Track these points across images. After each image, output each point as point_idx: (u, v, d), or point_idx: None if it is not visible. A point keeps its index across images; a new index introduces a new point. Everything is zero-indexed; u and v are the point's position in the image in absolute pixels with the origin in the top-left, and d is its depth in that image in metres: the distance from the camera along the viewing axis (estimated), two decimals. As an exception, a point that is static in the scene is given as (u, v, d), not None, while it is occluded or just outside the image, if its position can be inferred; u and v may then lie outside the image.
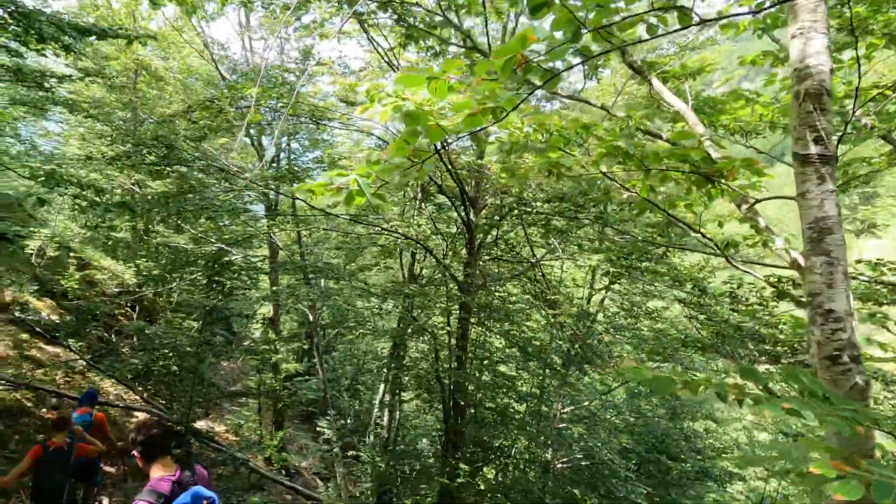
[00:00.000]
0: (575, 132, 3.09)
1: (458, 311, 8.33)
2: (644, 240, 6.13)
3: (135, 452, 3.05)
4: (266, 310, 15.95)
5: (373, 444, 13.61)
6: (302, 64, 10.55)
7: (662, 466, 11.72)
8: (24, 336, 11.27)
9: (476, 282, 8.07)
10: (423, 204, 10.39)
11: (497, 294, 9.07)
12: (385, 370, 13.17)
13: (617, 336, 9.81)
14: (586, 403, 11.88)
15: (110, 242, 14.85)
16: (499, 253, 9.11)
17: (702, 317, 6.93)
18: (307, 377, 14.93)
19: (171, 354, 9.97)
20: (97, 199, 6.62)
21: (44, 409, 9.34)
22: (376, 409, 13.56)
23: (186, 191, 8.56)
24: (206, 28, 10.98)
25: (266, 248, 14.60)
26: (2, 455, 7.21)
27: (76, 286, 13.18)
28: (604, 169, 3.14)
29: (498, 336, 9.23)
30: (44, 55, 6.20)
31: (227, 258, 11.78)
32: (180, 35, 11.77)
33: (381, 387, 13.13)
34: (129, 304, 15.16)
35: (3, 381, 8.53)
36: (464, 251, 8.67)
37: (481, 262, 8.41)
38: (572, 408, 11.33)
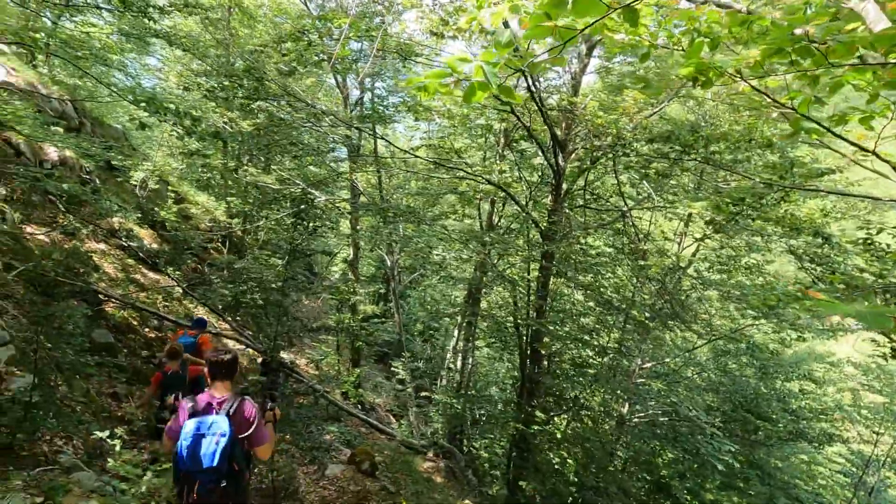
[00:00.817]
0: (729, 31, 2.60)
1: (539, 260, 7.97)
2: (766, 182, 5.33)
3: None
4: (346, 252, 16.27)
5: (445, 388, 13.79)
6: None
7: (750, 426, 11.03)
8: (130, 261, 12.11)
9: (560, 230, 7.64)
10: (506, 149, 9.91)
11: (581, 245, 8.57)
12: (460, 317, 13.13)
13: (709, 290, 9.08)
14: (668, 360, 11.33)
15: (204, 177, 15.50)
16: (586, 200, 8.54)
17: (818, 269, 6.16)
18: (383, 319, 15.25)
19: (257, 288, 10.35)
20: (193, 127, 6.78)
21: (146, 329, 10.05)
22: (449, 355, 13.64)
23: (276, 124, 8.60)
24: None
25: (348, 191, 14.74)
26: (115, 363, 7.80)
27: (173, 218, 13.97)
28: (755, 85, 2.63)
29: (580, 288, 8.79)
30: None
31: (310, 198, 11.98)
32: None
33: (456, 333, 13.12)
34: (220, 239, 15.97)
35: (114, 299, 9.17)
36: (548, 199, 8.22)
37: (567, 211, 7.92)
38: (652, 364, 10.83)
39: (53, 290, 7.91)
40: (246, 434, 3.26)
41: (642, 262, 7.74)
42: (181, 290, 12.15)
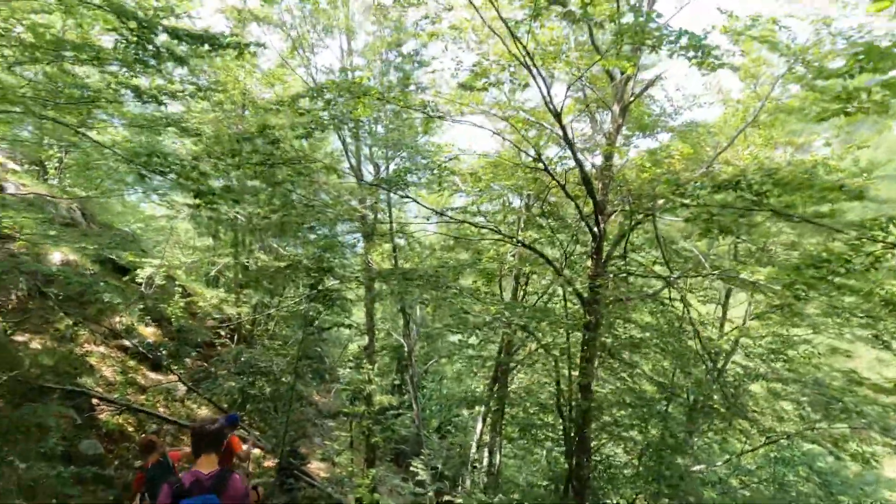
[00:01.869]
0: None
1: (581, 330, 7.19)
2: (858, 240, 4.48)
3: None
4: (360, 341, 15.48)
5: (470, 491, 12.47)
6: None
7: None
8: (131, 363, 11.43)
9: (604, 298, 6.96)
10: (535, 214, 9.43)
11: (625, 317, 7.79)
12: (483, 406, 12.11)
13: (764, 381, 8.10)
14: (719, 464, 10.04)
15: (212, 271, 15.14)
16: (627, 266, 7.86)
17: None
18: (399, 411, 14.19)
19: (265, 379, 9.60)
20: (201, 181, 6.28)
21: (143, 434, 9.18)
22: (473, 450, 12.46)
23: (291, 205, 8.22)
24: (311, 58, 10.94)
25: (362, 272, 14.20)
26: (101, 476, 6.93)
27: (180, 313, 13.44)
28: None
29: (626, 368, 7.89)
30: (159, 72, 6.03)
31: (325, 274, 11.49)
32: (286, 65, 11.84)
33: (479, 425, 12.05)
34: (228, 335, 15.34)
35: (107, 403, 8.42)
36: (587, 264, 7.63)
37: (610, 276, 7.27)
38: (701, 468, 9.53)
39: (38, 397, 7.21)
40: None
41: (692, 342, 6.98)
42: (185, 390, 11.36)
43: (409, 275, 7.25)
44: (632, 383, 7.75)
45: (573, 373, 7.86)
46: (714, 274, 6.92)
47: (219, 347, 15.17)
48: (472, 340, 12.71)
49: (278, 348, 12.28)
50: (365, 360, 13.68)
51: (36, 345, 8.66)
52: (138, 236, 18.00)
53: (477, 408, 12.87)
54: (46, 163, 13.89)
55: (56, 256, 11.28)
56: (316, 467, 13.41)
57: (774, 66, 8.17)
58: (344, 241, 11.57)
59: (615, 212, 7.27)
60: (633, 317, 8.59)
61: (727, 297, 9.55)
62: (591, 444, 8.61)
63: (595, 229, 6.85)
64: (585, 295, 7.15)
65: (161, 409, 10.61)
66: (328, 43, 11.07)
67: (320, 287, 7.59)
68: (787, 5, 5.99)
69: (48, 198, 12.42)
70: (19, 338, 8.67)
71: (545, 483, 9.82)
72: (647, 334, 7.77)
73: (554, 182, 7.34)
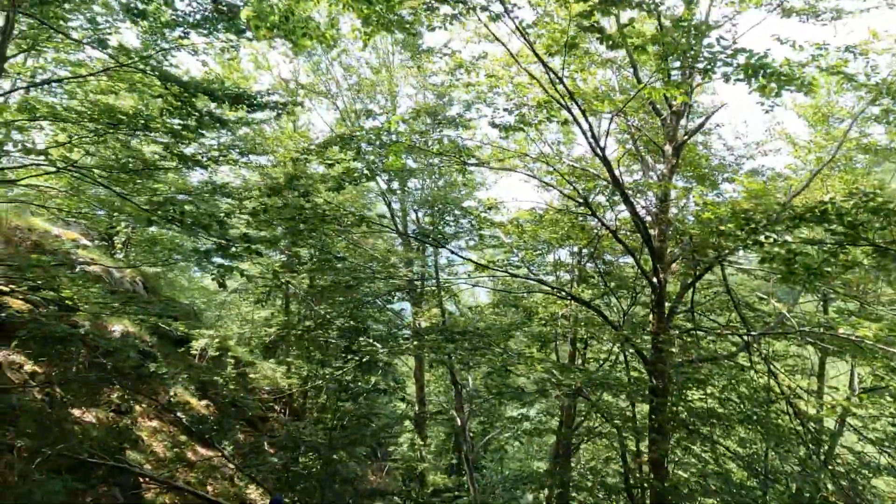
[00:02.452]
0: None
1: (648, 398, 6.40)
2: None
3: None
4: (411, 413, 14.83)
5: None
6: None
7: None
8: (182, 437, 11.27)
9: (671, 359, 6.22)
10: (589, 262, 8.85)
11: (693, 384, 6.85)
12: (545, 489, 11.06)
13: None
14: None
15: (265, 339, 15.15)
16: (694, 325, 7.04)
17: None
18: (456, 493, 13.20)
19: (311, 455, 9.13)
20: (247, 247, 6.23)
21: (188, 516, 8.82)
22: None
23: (333, 267, 8.07)
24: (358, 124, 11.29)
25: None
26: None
27: (233, 386, 13.35)
28: None
29: (702, 441, 6.80)
30: (202, 136, 6.17)
31: (372, 355, 11.16)
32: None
33: (543, 506, 10.97)
34: (280, 408, 15.10)
35: (152, 480, 8.17)
36: (648, 319, 6.94)
37: (675, 332, 6.53)
38: None
39: (84, 472, 7.04)
40: None
41: (783, 418, 6.02)
42: (234, 467, 11.02)
43: (454, 334, 6.78)
44: (715, 466, 6.64)
45: (641, 446, 6.96)
46: (804, 331, 5.97)
47: (271, 421, 14.91)
48: (532, 412, 11.86)
49: (327, 422, 11.87)
50: (417, 437, 13.00)
51: (90, 418, 8.64)
52: (200, 310, 18.54)
53: (541, 494, 11.78)
54: (115, 238, 14.64)
55: (116, 329, 11.56)
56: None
57: (844, 106, 7.57)
58: (389, 302, 11.29)
59: (675, 259, 6.63)
60: (709, 388, 7.57)
61: (822, 364, 8.35)
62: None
63: (654, 280, 6.24)
64: (648, 355, 6.43)
65: (209, 488, 10.26)
66: (372, 107, 11.35)
67: (354, 347, 7.19)
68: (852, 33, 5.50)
69: (113, 269, 13.01)
70: (76, 411, 8.69)
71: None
72: (728, 404, 6.75)
73: (605, 232, 6.85)
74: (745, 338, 6.20)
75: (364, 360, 8.36)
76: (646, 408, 7.37)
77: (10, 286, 8.97)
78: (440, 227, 10.00)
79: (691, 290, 6.65)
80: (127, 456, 8.32)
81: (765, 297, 7.90)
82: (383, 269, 9.48)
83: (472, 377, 12.57)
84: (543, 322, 10.01)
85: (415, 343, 8.61)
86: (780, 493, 6.63)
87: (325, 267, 8.82)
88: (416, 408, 12.74)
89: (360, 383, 12.49)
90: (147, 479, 8.19)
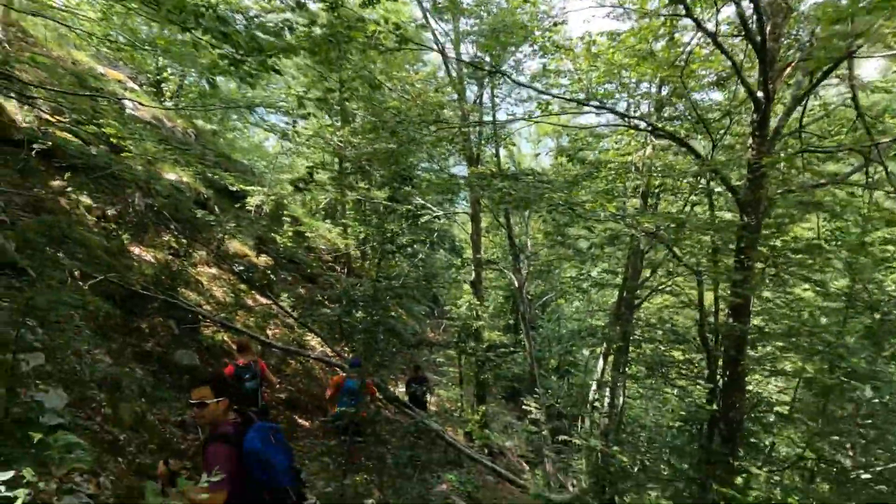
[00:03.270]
0: None
1: (733, 238, 5.48)
2: None
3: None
4: (468, 275, 14.59)
5: (588, 431, 11.28)
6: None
7: None
8: (242, 287, 11.56)
9: (771, 190, 5.18)
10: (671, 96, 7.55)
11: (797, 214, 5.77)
12: (605, 343, 10.67)
13: None
14: None
15: (320, 201, 14.99)
16: (803, 142, 5.76)
17: None
18: (512, 350, 13.21)
19: (370, 310, 9.04)
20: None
21: (247, 352, 9.11)
22: (593, 391, 11.15)
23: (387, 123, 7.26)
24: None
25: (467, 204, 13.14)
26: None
27: (289, 243, 13.45)
28: None
29: (799, 281, 5.99)
30: None
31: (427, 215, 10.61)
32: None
33: (600, 363, 10.66)
34: (340, 269, 15.29)
35: (205, 318, 8.32)
36: (745, 144, 5.82)
37: (780, 154, 5.37)
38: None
39: (140, 304, 7.15)
40: None
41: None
42: (293, 319, 11.33)
43: (513, 175, 5.94)
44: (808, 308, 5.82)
45: (721, 293, 6.18)
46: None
47: (332, 281, 15.21)
48: (594, 273, 11.20)
49: (374, 275, 11.79)
50: (474, 298, 12.80)
51: (148, 257, 8.78)
52: (260, 172, 18.56)
53: (598, 348, 11.47)
54: (163, 85, 14.29)
55: (171, 177, 11.55)
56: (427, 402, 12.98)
57: None
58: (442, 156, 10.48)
59: (790, 64, 5.26)
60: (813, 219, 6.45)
61: None
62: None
63: (759, 93, 5.00)
64: (741, 189, 5.40)
65: (268, 332, 10.62)
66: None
67: (400, 195, 6.52)
68: None
69: (165, 126, 12.85)
70: (136, 249, 8.82)
71: (677, 424, 8.27)
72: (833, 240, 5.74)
73: (696, 48, 5.53)
74: (869, 152, 4.94)
75: (415, 213, 7.79)
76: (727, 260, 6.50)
77: (56, 117, 8.81)
78: (497, 55, 8.76)
79: (803, 102, 5.36)
80: (182, 294, 8.45)
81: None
82: (428, 113, 8.54)
83: (531, 239, 11.92)
84: (612, 173, 8.96)
85: (471, 180, 7.77)
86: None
87: (375, 126, 8.00)
88: (474, 271, 12.38)
89: (415, 245, 12.17)
90: (204, 318, 8.35)
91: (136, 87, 13.35)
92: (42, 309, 5.05)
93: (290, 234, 13.62)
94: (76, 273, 6.29)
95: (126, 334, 6.41)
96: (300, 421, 8.86)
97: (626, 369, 9.53)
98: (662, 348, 8.98)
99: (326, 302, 12.20)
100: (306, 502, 2.94)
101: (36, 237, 6.00)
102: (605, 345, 10.42)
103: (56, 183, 7.98)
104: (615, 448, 9.39)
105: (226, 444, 2.74)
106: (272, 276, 11.72)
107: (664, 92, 7.76)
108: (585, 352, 18.29)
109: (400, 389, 11.21)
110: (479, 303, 11.85)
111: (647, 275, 9.16)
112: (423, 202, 11.37)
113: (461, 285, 19.24)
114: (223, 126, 20.59)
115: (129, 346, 6.25)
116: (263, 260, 12.83)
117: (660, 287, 8.35)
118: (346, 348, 11.46)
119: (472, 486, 8.70)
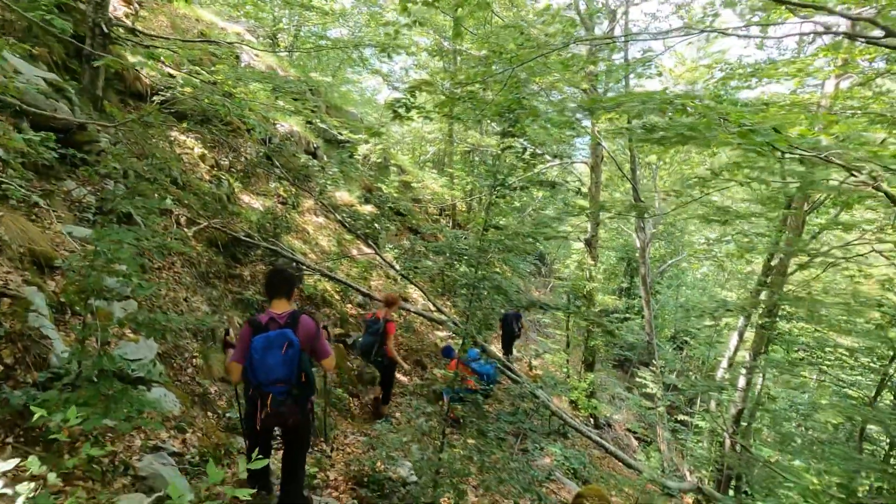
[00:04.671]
0: None
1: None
2: None
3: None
4: (582, 233, 13.45)
5: (714, 414, 10.03)
6: None
7: None
8: (347, 236, 11.48)
9: None
10: None
11: None
12: (741, 319, 9.24)
13: None
14: None
15: (427, 154, 14.48)
16: None
17: None
18: (626, 316, 12.07)
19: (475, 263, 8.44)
20: None
21: (349, 305, 8.97)
22: (722, 368, 9.81)
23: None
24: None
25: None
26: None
27: (395, 193, 13.16)
28: None
29: None
30: None
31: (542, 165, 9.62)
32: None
33: (733, 340, 9.28)
34: (446, 223, 14.85)
35: (317, 271, 8.19)
36: None
37: None
38: None
39: (242, 251, 7.10)
40: (310, 345, 3.29)
41: None
42: (395, 270, 11.11)
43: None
44: None
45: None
46: None
47: (437, 235, 14.84)
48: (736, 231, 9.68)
49: (478, 228, 11.12)
50: (587, 255, 11.73)
51: (258, 206, 8.81)
52: (371, 125, 18.41)
53: (730, 320, 10.01)
54: (279, 36, 14.32)
55: (283, 126, 11.58)
56: (525, 365, 12.39)
57: None
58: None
59: None
60: None
61: None
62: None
63: None
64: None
65: (371, 283, 10.46)
66: None
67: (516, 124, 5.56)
68: None
69: (279, 75, 12.87)
70: (245, 197, 8.88)
71: (835, 420, 6.90)
72: None
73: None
74: None
75: (530, 155, 6.84)
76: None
77: (178, 70, 8.95)
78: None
79: None
80: (287, 242, 8.37)
81: None
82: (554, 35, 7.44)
83: (658, 194, 10.53)
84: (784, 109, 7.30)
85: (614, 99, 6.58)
86: None
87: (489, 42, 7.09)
88: (590, 227, 11.26)
89: (528, 188, 11.32)
90: (306, 266, 8.24)
91: (254, 40, 13.46)
92: (142, 255, 4.98)
93: (395, 184, 13.31)
94: (181, 220, 6.27)
95: (227, 281, 6.35)
96: (398, 376, 8.64)
97: (768, 349, 8.15)
98: (820, 330, 7.50)
99: (429, 254, 11.80)
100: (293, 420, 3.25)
101: (146, 184, 6.02)
102: (742, 319, 9.00)
103: (174, 133, 8.10)
104: (740, 437, 8.18)
105: (249, 327, 3.21)
106: (377, 227, 11.48)
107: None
108: (707, 323, 16.54)
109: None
110: (592, 262, 10.80)
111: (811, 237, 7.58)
112: (535, 149, 10.33)
113: (569, 244, 18.07)
114: (336, 79, 20.68)
115: (229, 293, 6.18)
116: (369, 210, 12.66)
117: (830, 251, 6.80)
118: (448, 303, 11.06)
119: (580, 463, 8.01)
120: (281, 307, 3.32)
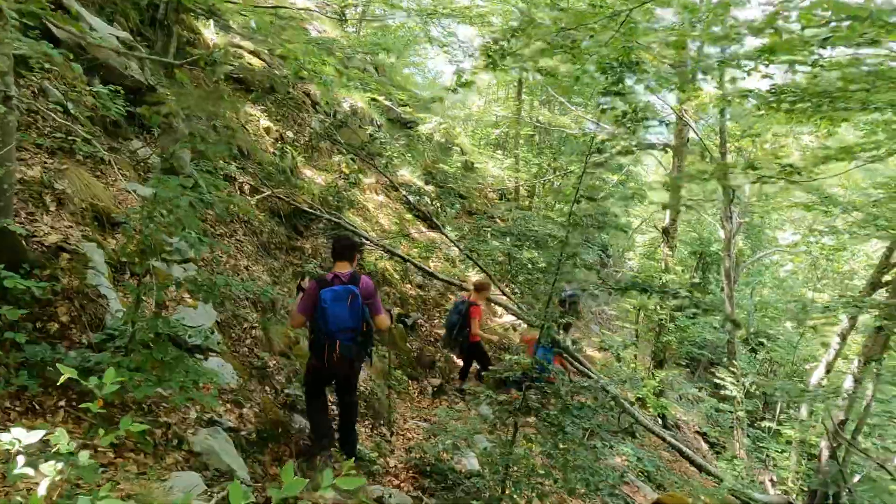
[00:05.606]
0: None
1: None
2: None
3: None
4: (660, 217, 12.56)
5: (805, 423, 9.09)
6: None
7: None
8: (408, 216, 11.15)
9: None
10: None
11: None
12: (844, 321, 8.26)
13: None
14: None
15: (493, 134, 13.94)
16: None
17: None
18: (701, 310, 11.16)
19: (534, 245, 7.93)
20: None
21: (408, 285, 8.63)
22: (819, 374, 8.86)
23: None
24: None
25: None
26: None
27: (458, 174, 12.73)
28: None
29: None
30: None
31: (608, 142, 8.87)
32: None
33: (834, 343, 8.35)
34: (511, 207, 14.30)
35: (366, 240, 7.89)
36: None
37: None
38: None
39: (304, 222, 6.87)
40: (369, 301, 3.60)
41: None
42: (459, 250, 10.70)
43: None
44: None
45: None
46: None
47: (499, 220, 14.32)
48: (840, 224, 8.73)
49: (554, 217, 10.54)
50: (664, 244, 10.87)
51: (320, 180, 8.59)
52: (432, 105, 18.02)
53: (818, 322, 9.00)
54: (346, 11, 14.09)
55: (347, 102, 11.35)
56: (590, 356, 11.72)
57: None
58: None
59: None
60: None
61: None
62: None
63: None
64: None
65: (431, 264, 10.08)
66: None
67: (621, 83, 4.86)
68: None
69: (345, 50, 12.64)
70: (307, 171, 8.69)
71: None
72: None
73: None
74: None
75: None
76: None
77: (247, 42, 8.83)
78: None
79: None
80: (348, 218, 8.09)
81: None
82: None
83: (748, 188, 9.62)
84: None
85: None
86: None
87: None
88: (668, 215, 10.41)
89: (594, 181, 10.58)
90: (368, 240, 7.94)
91: (321, 14, 13.28)
92: (204, 220, 4.75)
93: (457, 165, 12.87)
94: (245, 188, 6.07)
95: (288, 252, 6.11)
96: (456, 361, 8.24)
97: (881, 357, 7.20)
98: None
99: (490, 237, 11.31)
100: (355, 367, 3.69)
101: (213, 150, 5.83)
102: (845, 321, 8.03)
103: (240, 105, 7.97)
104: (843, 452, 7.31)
105: (316, 283, 3.58)
106: (438, 207, 11.10)
107: None
108: (788, 325, 15.24)
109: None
110: (670, 252, 9.99)
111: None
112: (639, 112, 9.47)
113: (633, 237, 17.04)
114: (401, 62, 20.43)
115: (290, 265, 5.93)
116: (430, 190, 12.28)
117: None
118: (511, 287, 10.57)
119: (653, 465, 7.38)
120: (344, 268, 3.65)
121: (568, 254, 3.88)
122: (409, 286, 8.55)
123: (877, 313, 6.42)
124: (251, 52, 9.12)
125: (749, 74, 3.80)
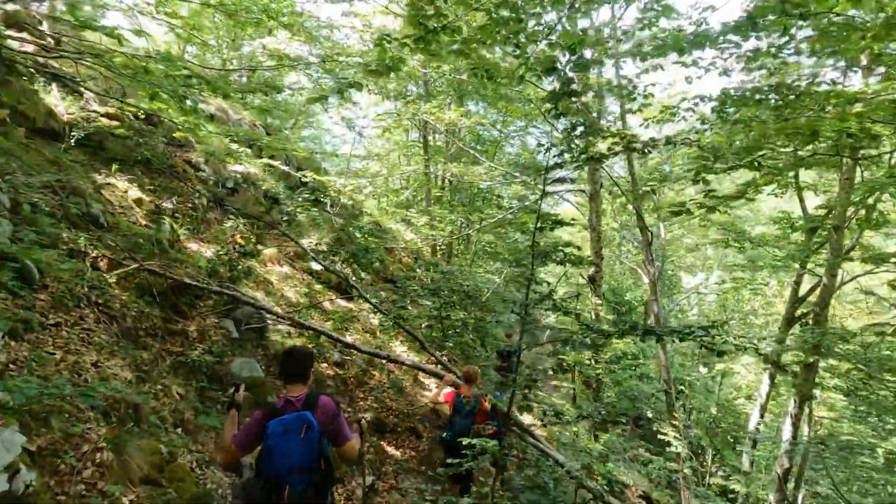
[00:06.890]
0: None
1: None
2: None
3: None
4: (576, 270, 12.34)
5: (750, 476, 8.67)
6: None
7: None
8: (318, 287, 10.03)
9: None
10: None
11: None
12: (769, 362, 8.11)
13: None
14: None
15: (402, 193, 13.35)
16: None
17: None
18: (639, 362, 10.81)
19: (466, 300, 7.16)
20: None
21: (324, 364, 7.42)
22: (754, 421, 8.58)
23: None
24: None
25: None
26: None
27: (369, 242, 11.84)
28: None
29: None
30: None
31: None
32: None
33: (764, 386, 8.12)
34: (422, 274, 13.56)
35: (278, 320, 6.70)
36: None
37: None
38: None
39: (191, 302, 5.59)
40: (331, 428, 2.87)
41: None
42: (377, 321, 9.64)
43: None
44: None
45: None
46: None
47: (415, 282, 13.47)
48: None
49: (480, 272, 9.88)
50: (591, 294, 10.52)
51: (210, 254, 7.34)
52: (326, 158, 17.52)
53: (761, 364, 8.88)
54: (231, 77, 13.21)
55: (237, 168, 10.27)
56: (528, 423, 10.84)
57: None
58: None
59: None
60: None
61: None
62: None
63: None
64: None
65: (348, 338, 8.93)
66: None
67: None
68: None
69: (232, 119, 11.67)
70: (193, 244, 7.41)
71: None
72: None
73: None
74: None
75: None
76: None
77: (105, 107, 7.64)
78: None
79: None
80: (244, 290, 6.87)
81: None
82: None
83: (664, 227, 9.59)
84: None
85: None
86: None
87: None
88: (592, 264, 10.10)
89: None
90: (274, 319, 6.73)
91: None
92: (30, 308, 3.48)
93: (367, 231, 12.01)
94: (101, 263, 4.77)
95: (165, 338, 4.81)
96: (387, 448, 7.01)
97: (814, 396, 6.97)
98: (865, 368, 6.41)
99: (412, 301, 10.38)
100: None
101: (48, 222, 4.53)
102: (770, 361, 7.86)
103: (99, 175, 6.69)
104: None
105: (263, 410, 2.82)
106: (350, 274, 10.08)
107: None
108: (702, 369, 15.39)
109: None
110: (599, 301, 9.59)
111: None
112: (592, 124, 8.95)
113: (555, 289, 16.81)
114: (295, 130, 19.76)
115: (167, 354, 4.63)
116: (341, 258, 11.24)
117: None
118: (439, 354, 9.60)
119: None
120: (297, 391, 2.95)
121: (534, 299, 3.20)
122: (325, 365, 7.33)
123: (797, 350, 6.21)
124: (108, 116, 7.88)
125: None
